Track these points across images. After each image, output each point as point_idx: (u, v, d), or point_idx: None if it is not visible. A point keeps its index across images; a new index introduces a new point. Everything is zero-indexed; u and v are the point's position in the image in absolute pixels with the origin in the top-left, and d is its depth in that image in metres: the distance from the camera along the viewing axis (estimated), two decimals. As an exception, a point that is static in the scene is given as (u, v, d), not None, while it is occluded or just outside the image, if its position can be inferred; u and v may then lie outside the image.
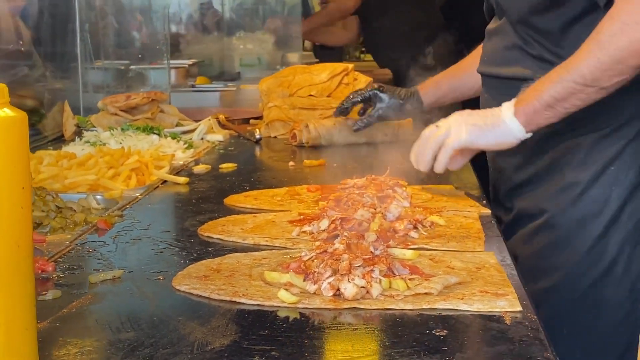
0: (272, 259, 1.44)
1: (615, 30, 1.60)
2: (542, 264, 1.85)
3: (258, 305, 1.23)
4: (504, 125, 1.73)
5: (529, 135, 1.74)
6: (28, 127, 2.29)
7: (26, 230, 0.99)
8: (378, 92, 2.38)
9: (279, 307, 1.22)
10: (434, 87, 2.29)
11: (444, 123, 1.81)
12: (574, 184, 1.81)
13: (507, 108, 1.73)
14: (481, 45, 2.08)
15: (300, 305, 1.22)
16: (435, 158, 1.81)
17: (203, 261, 1.43)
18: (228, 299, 1.25)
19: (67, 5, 3.12)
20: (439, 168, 1.81)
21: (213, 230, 1.63)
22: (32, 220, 1.01)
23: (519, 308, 1.20)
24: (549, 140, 1.83)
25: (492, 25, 1.97)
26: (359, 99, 2.43)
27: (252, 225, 1.67)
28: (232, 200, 1.91)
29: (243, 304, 1.24)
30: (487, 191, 2.05)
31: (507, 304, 1.21)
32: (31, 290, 1.01)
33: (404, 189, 1.78)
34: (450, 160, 1.80)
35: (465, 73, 2.22)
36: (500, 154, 1.89)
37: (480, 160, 2.15)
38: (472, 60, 2.15)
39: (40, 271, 1.38)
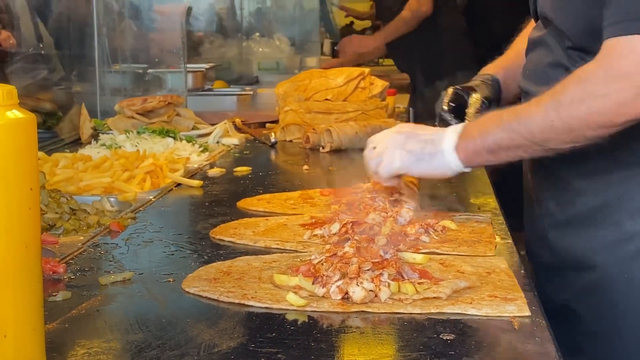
0: (282, 262, 1.44)
1: (576, 96, 1.46)
2: (600, 327, 1.62)
3: (266, 308, 1.23)
4: (441, 157, 1.63)
5: (469, 170, 1.64)
6: (37, 128, 2.31)
7: (34, 231, 1.00)
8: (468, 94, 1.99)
9: (287, 310, 1.22)
10: (511, 78, 1.97)
11: (380, 144, 1.70)
12: (634, 235, 1.58)
13: (450, 138, 1.63)
14: (525, 33, 1.92)
15: (308, 309, 1.22)
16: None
17: (213, 264, 1.44)
18: (237, 301, 1.25)
19: (85, 9, 3.14)
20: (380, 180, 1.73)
21: (225, 233, 1.64)
22: (40, 221, 1.02)
23: (528, 313, 1.19)
24: (605, 173, 1.62)
25: (536, 33, 1.77)
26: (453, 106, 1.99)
27: (263, 228, 1.68)
28: (245, 203, 1.91)
29: (252, 306, 1.24)
30: (515, 217, 1.91)
31: (516, 308, 1.21)
32: (39, 291, 1.01)
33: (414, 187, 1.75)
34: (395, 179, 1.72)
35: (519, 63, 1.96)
36: (543, 184, 1.73)
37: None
38: (513, 57, 1.98)
39: (51, 272, 1.38)
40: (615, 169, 1.60)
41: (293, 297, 1.24)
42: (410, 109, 4.26)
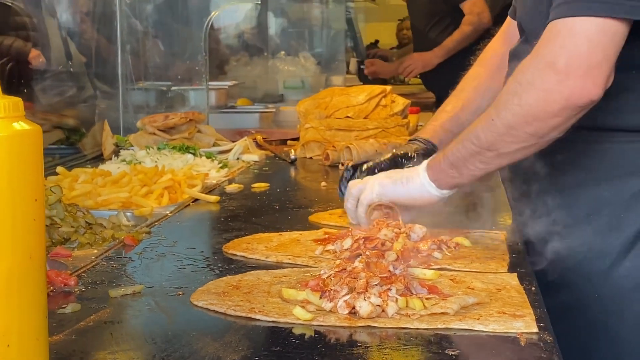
0: (292, 277, 1.44)
1: (511, 89, 1.44)
2: (575, 349, 1.60)
3: (273, 321, 1.23)
4: (417, 180, 1.63)
5: (447, 192, 1.61)
6: (60, 144, 2.32)
7: (39, 242, 1.01)
8: (399, 159, 1.92)
9: (294, 324, 1.22)
10: (444, 134, 1.91)
11: (367, 177, 1.75)
12: (603, 253, 1.57)
13: (425, 161, 1.64)
14: (475, 69, 1.95)
15: (314, 323, 1.22)
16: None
17: (223, 278, 1.44)
18: (244, 315, 1.25)
19: (109, 27, 3.18)
20: (361, 225, 1.72)
21: (237, 248, 1.64)
22: (45, 232, 1.03)
23: (535, 329, 1.18)
24: (574, 190, 1.62)
25: (515, 46, 1.76)
26: (383, 167, 1.89)
27: (276, 243, 1.68)
28: (317, 217, 1.93)
29: (258, 320, 1.24)
30: None
31: (524, 325, 1.20)
32: (43, 301, 1.02)
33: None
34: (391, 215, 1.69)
35: (470, 109, 1.90)
36: (518, 201, 1.69)
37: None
38: (473, 90, 1.92)
39: (62, 285, 1.39)
40: (584, 185, 1.59)
41: (299, 311, 1.24)
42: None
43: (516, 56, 1.66)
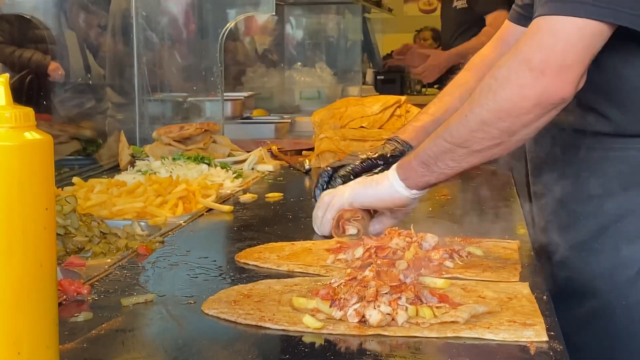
0: (303, 286, 1.44)
1: (486, 85, 1.45)
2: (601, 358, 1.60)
3: (283, 330, 1.24)
4: (386, 182, 1.63)
5: (416, 193, 1.61)
6: (77, 155, 2.33)
7: (49, 250, 1.02)
8: (374, 161, 1.92)
9: (304, 332, 1.23)
10: (424, 136, 1.82)
11: (340, 186, 1.76)
12: (632, 261, 1.55)
13: (396, 163, 1.64)
14: (463, 74, 1.94)
15: (324, 331, 1.23)
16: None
17: (235, 286, 1.45)
18: (254, 323, 1.26)
19: (125, 39, 3.21)
20: (324, 231, 1.75)
21: (249, 257, 1.65)
22: (55, 240, 1.04)
23: (545, 338, 1.18)
24: (601, 197, 1.59)
25: None
26: (358, 170, 1.90)
27: (288, 252, 1.68)
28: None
29: (269, 328, 1.24)
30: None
31: (534, 333, 1.19)
32: (54, 309, 1.03)
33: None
34: (369, 224, 1.72)
35: (451, 112, 1.80)
36: (541, 209, 1.70)
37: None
38: (459, 95, 1.89)
39: (75, 294, 1.40)
40: (612, 192, 1.57)
41: (309, 320, 1.24)
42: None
43: None
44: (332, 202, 1.71)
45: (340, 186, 1.76)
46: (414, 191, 1.61)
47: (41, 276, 1.01)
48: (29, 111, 1.00)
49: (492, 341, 1.18)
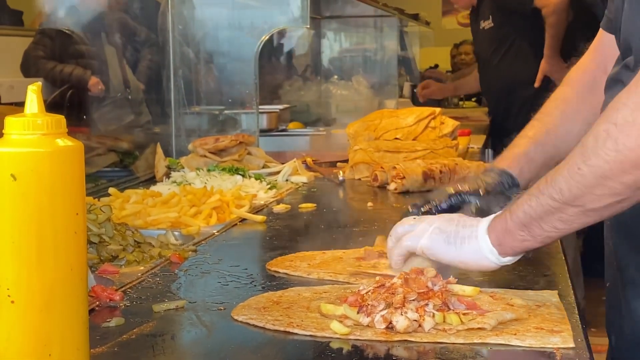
0: (332, 293, 1.46)
1: (601, 130, 1.19)
2: None
3: (311, 335, 1.25)
4: (474, 242, 1.37)
5: (507, 260, 1.37)
6: (114, 167, 2.38)
7: (80, 254, 1.04)
8: (466, 196, 1.64)
9: (331, 338, 1.24)
10: (526, 163, 1.67)
11: (421, 219, 1.49)
12: None
13: (487, 220, 1.39)
14: (562, 90, 1.72)
15: (351, 337, 1.24)
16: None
17: (265, 293, 1.46)
18: (282, 329, 1.27)
19: (162, 53, 3.26)
20: (393, 266, 1.50)
21: (280, 265, 1.66)
22: (86, 245, 1.07)
23: (572, 344, 1.18)
24: None
25: (616, 67, 1.48)
26: (444, 208, 1.64)
27: (319, 261, 1.70)
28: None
29: (297, 334, 1.26)
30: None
31: (560, 340, 1.19)
32: (84, 312, 1.05)
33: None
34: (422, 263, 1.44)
35: (557, 135, 1.67)
36: (624, 248, 1.48)
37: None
38: (560, 114, 1.69)
39: (108, 300, 1.43)
40: None
41: (337, 325, 1.25)
42: (487, 150, 4.23)
43: (618, 83, 1.43)
44: (405, 237, 1.46)
45: (422, 220, 1.47)
46: (507, 258, 1.37)
47: (71, 280, 1.03)
48: (61, 118, 1.03)
49: (519, 347, 1.19)
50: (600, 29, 1.69)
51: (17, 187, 0.99)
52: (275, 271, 1.64)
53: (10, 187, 0.99)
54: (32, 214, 1.00)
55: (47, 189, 1.00)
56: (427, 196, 1.66)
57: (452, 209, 1.59)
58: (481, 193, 1.59)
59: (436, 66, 8.79)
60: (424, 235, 1.42)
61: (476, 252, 1.37)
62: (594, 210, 1.24)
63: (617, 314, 1.53)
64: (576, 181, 1.22)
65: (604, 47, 1.66)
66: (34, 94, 1.02)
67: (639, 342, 1.47)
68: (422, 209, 1.61)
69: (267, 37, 3.34)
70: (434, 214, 1.57)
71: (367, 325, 1.27)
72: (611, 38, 1.59)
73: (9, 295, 1.00)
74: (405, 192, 2.58)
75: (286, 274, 1.62)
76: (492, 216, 1.39)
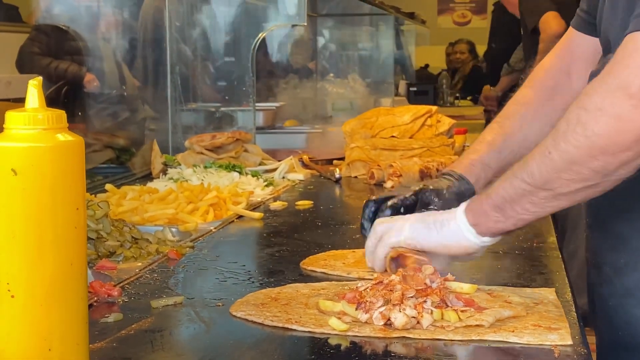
0: (330, 289, 1.46)
1: (573, 117, 1.20)
2: None
3: (309, 332, 1.25)
4: (453, 224, 1.39)
5: (487, 240, 1.38)
6: (110, 163, 2.38)
7: (80, 249, 1.04)
8: (422, 195, 1.59)
9: (330, 334, 1.24)
10: (482, 170, 1.64)
11: (397, 217, 1.50)
12: None
13: (464, 203, 1.40)
14: (524, 92, 1.68)
15: (350, 333, 1.24)
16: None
17: (263, 290, 1.47)
18: (281, 325, 1.27)
19: (159, 50, 3.25)
20: (376, 267, 1.49)
21: (315, 264, 1.65)
22: (86, 240, 1.07)
23: (570, 342, 1.18)
24: None
25: (599, 65, 1.46)
26: (409, 203, 1.59)
27: (352, 260, 1.67)
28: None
29: (295, 330, 1.26)
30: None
31: (558, 337, 1.20)
32: (84, 307, 1.06)
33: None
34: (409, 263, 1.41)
35: (514, 141, 1.64)
36: (600, 246, 1.49)
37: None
38: (519, 118, 1.66)
39: (106, 295, 1.43)
40: None
41: (335, 322, 1.25)
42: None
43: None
44: (385, 236, 1.47)
45: (398, 218, 1.49)
46: (486, 238, 1.38)
47: (72, 274, 1.03)
48: (61, 113, 1.03)
49: (516, 344, 1.19)
50: (570, 28, 1.66)
51: (18, 182, 0.99)
52: (312, 270, 1.62)
53: (11, 182, 0.99)
54: (32, 208, 1.00)
55: (48, 184, 1.00)
56: (390, 192, 1.64)
57: (416, 204, 1.58)
58: (445, 193, 1.58)
59: (426, 66, 8.81)
60: (404, 228, 1.44)
61: (456, 234, 1.39)
62: (564, 195, 1.25)
63: (598, 315, 1.53)
64: (546, 165, 1.24)
65: (572, 48, 1.64)
66: (34, 89, 1.02)
67: (617, 344, 1.47)
68: (387, 202, 1.58)
69: (264, 35, 3.34)
70: (400, 207, 1.57)
71: (366, 322, 1.27)
72: (582, 38, 1.59)
73: (9, 290, 1.00)
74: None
75: (324, 273, 1.60)
76: (469, 200, 1.41)
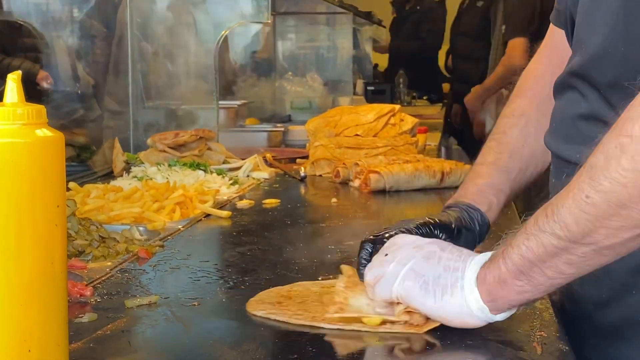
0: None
1: (613, 150, 0.95)
2: None
3: (338, 329, 1.23)
4: (458, 294, 1.13)
5: (499, 317, 1.14)
6: (71, 162, 2.33)
7: (60, 247, 1.01)
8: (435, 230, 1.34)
9: (360, 331, 1.22)
10: (494, 195, 1.42)
11: (394, 253, 1.21)
12: None
13: (475, 266, 1.14)
14: (517, 103, 1.50)
15: (381, 330, 1.21)
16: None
17: (273, 288, 1.44)
18: (308, 323, 1.25)
19: (119, 47, 3.21)
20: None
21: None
22: (67, 238, 1.04)
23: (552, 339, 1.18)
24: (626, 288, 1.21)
25: (564, 75, 1.30)
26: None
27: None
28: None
29: (279, 328, 1.24)
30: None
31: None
32: (64, 307, 1.03)
33: None
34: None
35: (522, 157, 1.45)
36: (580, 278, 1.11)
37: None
38: (519, 132, 1.47)
39: (78, 295, 1.40)
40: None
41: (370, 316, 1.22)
42: (444, 147, 4.29)
43: (568, 88, 1.26)
44: (375, 288, 1.21)
45: (392, 263, 1.20)
46: (501, 315, 1.14)
47: (52, 274, 1.00)
48: (41, 108, 1.01)
49: (497, 340, 1.19)
50: (552, 27, 1.48)
51: (-3, 179, 0.96)
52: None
53: (-11, 179, 0.96)
54: (11, 206, 0.97)
55: (27, 180, 0.98)
56: (389, 226, 1.35)
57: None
58: (453, 227, 1.34)
59: (376, 66, 8.83)
60: (396, 280, 1.18)
61: (461, 307, 1.14)
62: (610, 248, 1.00)
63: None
64: (585, 213, 0.98)
65: (557, 47, 1.43)
66: (14, 83, 1.00)
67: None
68: (384, 239, 1.30)
69: (227, 32, 3.31)
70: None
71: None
72: (562, 34, 1.40)
73: (-13, 290, 0.97)
74: (381, 191, 2.53)
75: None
76: (479, 258, 1.16)
